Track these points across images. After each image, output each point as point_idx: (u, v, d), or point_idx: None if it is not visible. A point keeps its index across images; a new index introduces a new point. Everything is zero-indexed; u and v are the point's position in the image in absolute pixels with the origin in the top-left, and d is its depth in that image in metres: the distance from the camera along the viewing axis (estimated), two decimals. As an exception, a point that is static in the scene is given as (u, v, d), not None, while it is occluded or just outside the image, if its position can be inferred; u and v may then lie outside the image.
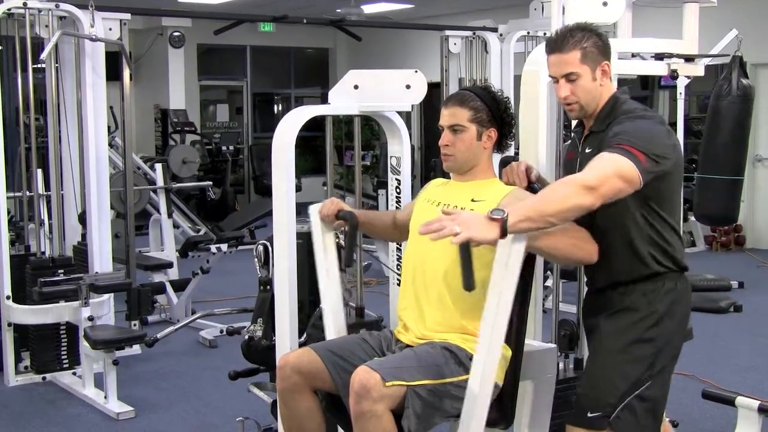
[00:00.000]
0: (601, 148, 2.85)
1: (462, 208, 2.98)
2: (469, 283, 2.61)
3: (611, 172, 2.65)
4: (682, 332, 2.98)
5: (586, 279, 3.14)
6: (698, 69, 3.80)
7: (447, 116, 3.08)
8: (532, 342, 3.25)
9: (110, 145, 8.06)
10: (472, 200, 3.01)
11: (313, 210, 3.24)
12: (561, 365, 3.82)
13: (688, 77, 7.33)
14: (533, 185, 3.08)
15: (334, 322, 3.26)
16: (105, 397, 5.08)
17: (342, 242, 3.33)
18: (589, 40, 2.91)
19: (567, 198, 2.60)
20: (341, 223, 3.20)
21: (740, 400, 3.76)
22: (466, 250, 2.57)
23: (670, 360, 2.93)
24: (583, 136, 3.06)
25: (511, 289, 2.57)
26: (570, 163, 3.11)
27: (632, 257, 2.89)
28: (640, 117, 2.89)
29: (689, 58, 3.72)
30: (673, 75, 3.70)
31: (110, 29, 5.94)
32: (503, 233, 2.55)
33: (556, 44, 2.93)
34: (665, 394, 2.95)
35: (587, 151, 2.97)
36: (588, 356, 3.03)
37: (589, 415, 2.87)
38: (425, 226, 2.55)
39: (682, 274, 2.95)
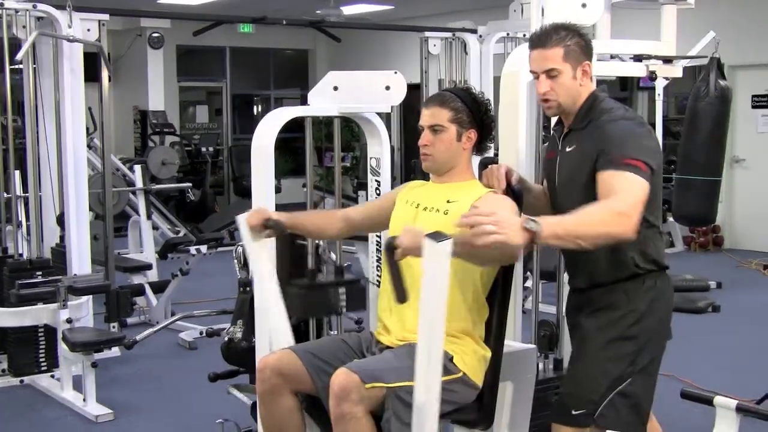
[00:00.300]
0: (582, 147, 2.89)
1: (437, 210, 3.00)
2: (401, 297, 2.62)
3: (639, 198, 2.72)
4: (664, 330, 3.01)
5: (570, 277, 3.16)
6: (676, 70, 3.82)
7: (427, 116, 3.08)
8: (512, 343, 3.26)
9: (89, 146, 8.01)
10: (448, 201, 3.02)
11: (241, 220, 3.17)
12: (541, 366, 3.83)
13: (666, 79, 7.38)
14: (513, 188, 3.08)
15: (277, 332, 3.21)
16: (84, 400, 5.05)
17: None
18: (572, 39, 2.93)
19: (600, 225, 2.64)
20: (271, 233, 3.16)
21: (718, 399, 3.77)
22: (394, 263, 2.58)
23: (652, 358, 2.95)
24: (562, 134, 3.07)
25: (443, 296, 2.51)
26: (550, 162, 3.12)
27: (614, 260, 2.90)
28: (622, 118, 2.91)
29: (667, 60, 3.74)
30: (652, 76, 3.71)
31: (88, 30, 5.91)
32: (530, 243, 2.56)
33: (540, 40, 2.95)
34: (649, 392, 2.98)
35: (567, 149, 2.99)
36: (571, 354, 3.04)
37: (573, 412, 2.91)
38: (464, 218, 2.54)
39: (663, 273, 2.98)
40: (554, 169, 3.06)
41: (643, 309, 2.91)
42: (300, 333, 3.95)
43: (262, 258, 3.17)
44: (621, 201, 2.69)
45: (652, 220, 2.92)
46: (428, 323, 2.53)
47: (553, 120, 3.48)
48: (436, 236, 2.51)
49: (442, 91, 3.23)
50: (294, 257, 3.71)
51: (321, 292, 3.70)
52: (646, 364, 2.93)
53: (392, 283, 2.62)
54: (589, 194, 2.84)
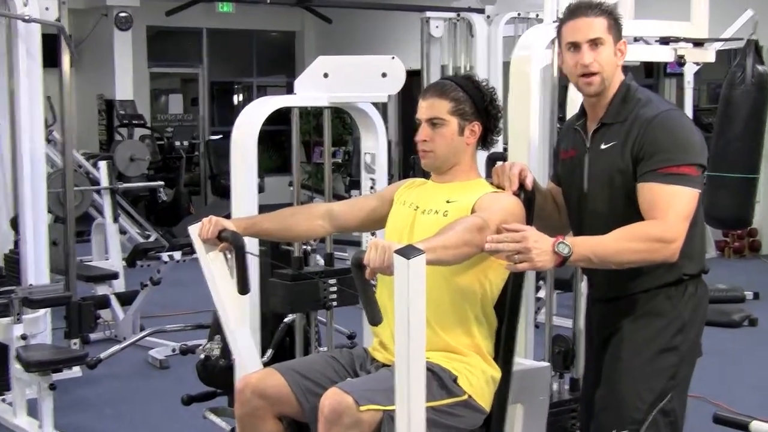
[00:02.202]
0: (624, 144, 2.93)
1: (436, 212, 3.01)
2: (374, 318, 2.63)
3: (685, 215, 2.83)
4: (699, 343, 3.08)
5: (595, 286, 3.18)
6: (708, 54, 3.84)
7: (425, 108, 3.09)
8: (523, 360, 3.26)
9: (47, 140, 8.01)
10: (447, 201, 3.03)
11: (193, 232, 3.16)
12: (555, 386, 3.83)
13: (697, 64, 7.34)
14: (526, 191, 3.06)
15: (241, 353, 3.20)
16: (40, 427, 5.04)
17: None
18: (611, 14, 3.01)
19: (636, 253, 2.81)
20: (226, 246, 3.15)
21: (755, 425, 3.78)
22: (364, 282, 2.59)
23: (689, 372, 3.03)
24: (588, 129, 3.07)
25: (420, 318, 2.51)
26: (571, 162, 3.11)
27: (660, 265, 2.92)
28: (668, 110, 2.95)
29: (698, 43, 3.76)
30: (681, 61, 3.73)
31: (47, 9, 5.89)
32: (560, 265, 2.76)
33: (582, 9, 3.00)
34: (684, 408, 3.04)
35: (603, 146, 3.00)
36: (606, 367, 3.06)
37: None
38: (490, 242, 2.68)
39: (701, 278, 3.05)
40: (580, 169, 3.07)
41: (686, 317, 2.98)
42: (285, 349, 3.96)
43: (218, 274, 3.15)
44: (664, 225, 2.80)
45: (697, 219, 2.96)
46: (404, 350, 2.51)
47: (569, 114, 3.49)
48: (408, 251, 2.48)
49: (440, 79, 3.25)
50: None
51: (307, 283, 3.70)
52: (683, 379, 3.00)
53: (363, 303, 2.63)
54: (630, 198, 2.90)
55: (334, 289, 3.75)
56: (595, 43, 2.96)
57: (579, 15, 2.99)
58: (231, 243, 3.10)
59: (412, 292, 2.47)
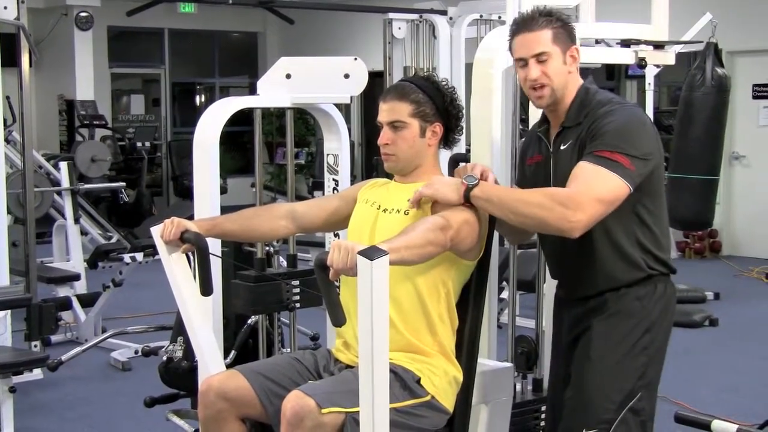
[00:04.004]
0: (578, 141, 2.95)
1: (398, 210, 3.03)
2: (337, 319, 2.63)
3: (596, 197, 2.79)
4: (666, 345, 3.10)
5: (564, 287, 3.19)
6: (668, 57, 3.86)
7: (386, 111, 3.09)
8: (486, 361, 3.27)
9: (6, 140, 7.94)
10: (408, 200, 3.03)
11: (155, 233, 3.14)
12: (518, 387, 3.85)
13: (657, 66, 7.41)
14: None
15: (204, 355, 3.19)
16: None
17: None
18: (557, 22, 3.00)
19: (536, 207, 2.81)
20: (188, 247, 3.13)
21: (717, 424, 3.80)
22: (327, 283, 2.60)
23: (657, 371, 3.06)
24: (551, 134, 3.10)
25: (384, 319, 2.51)
26: (536, 167, 3.14)
27: (624, 262, 2.97)
28: (620, 106, 2.98)
29: (659, 45, 3.78)
30: (641, 64, 3.75)
31: (5, 8, 5.84)
32: (465, 200, 2.87)
33: (526, 23, 3.01)
34: (654, 409, 3.06)
35: (562, 147, 3.03)
36: (575, 368, 3.07)
37: None
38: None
39: (669, 278, 3.08)
40: (546, 172, 3.09)
41: (654, 317, 3.01)
42: (248, 351, 3.95)
43: (181, 276, 3.14)
44: (571, 193, 2.80)
45: (658, 215, 3.00)
46: (368, 352, 2.51)
47: (531, 115, 3.50)
48: (371, 252, 2.49)
49: (400, 81, 3.24)
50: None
51: (270, 284, 3.70)
52: (652, 379, 3.03)
53: (326, 305, 2.63)
54: None
55: (297, 290, 3.75)
56: (541, 56, 2.98)
57: (523, 30, 3.01)
58: (194, 244, 3.09)
59: (376, 293, 2.47)
